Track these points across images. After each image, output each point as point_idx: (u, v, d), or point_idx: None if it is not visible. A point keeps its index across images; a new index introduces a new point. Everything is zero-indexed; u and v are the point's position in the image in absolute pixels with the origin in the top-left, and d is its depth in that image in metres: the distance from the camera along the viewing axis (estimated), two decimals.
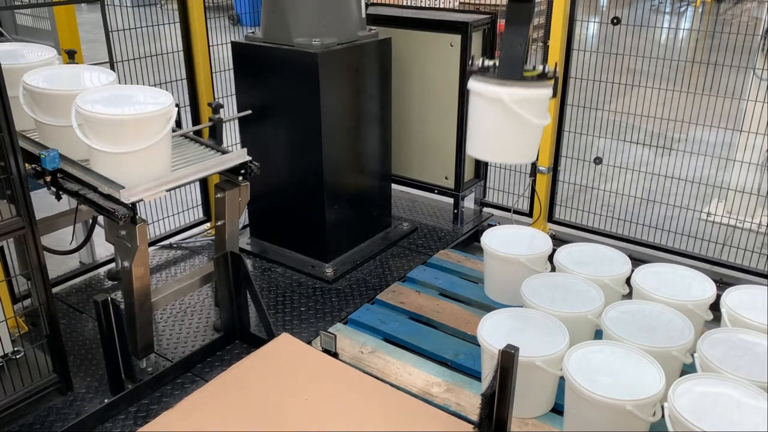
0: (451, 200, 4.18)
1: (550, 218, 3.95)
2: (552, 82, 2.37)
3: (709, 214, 4.13)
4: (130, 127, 2.44)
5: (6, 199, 2.36)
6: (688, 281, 2.89)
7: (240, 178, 2.81)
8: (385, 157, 3.84)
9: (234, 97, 3.65)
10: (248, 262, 3.51)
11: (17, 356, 2.68)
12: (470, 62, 2.41)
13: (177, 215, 3.97)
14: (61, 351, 2.62)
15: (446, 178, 4.10)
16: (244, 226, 3.96)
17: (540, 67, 2.36)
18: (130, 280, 2.56)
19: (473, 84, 2.38)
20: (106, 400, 2.59)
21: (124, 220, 2.35)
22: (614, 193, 3.86)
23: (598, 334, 2.68)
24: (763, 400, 2.12)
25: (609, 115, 3.72)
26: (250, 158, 2.80)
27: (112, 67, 3.33)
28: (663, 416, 2.15)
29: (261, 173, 2.85)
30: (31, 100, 2.67)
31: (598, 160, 3.77)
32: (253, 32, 3.56)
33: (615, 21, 3.42)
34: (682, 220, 3.65)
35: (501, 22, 2.34)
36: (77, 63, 3.16)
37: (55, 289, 3.28)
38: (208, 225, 4.10)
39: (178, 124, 2.95)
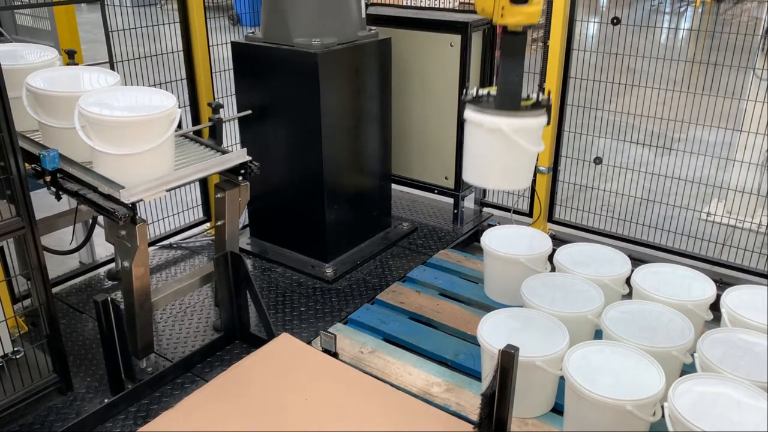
0: (451, 200, 4.18)
1: (550, 218, 3.95)
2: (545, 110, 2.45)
3: (709, 214, 4.13)
4: (133, 129, 2.45)
5: (6, 199, 2.36)
6: (688, 281, 2.89)
7: (240, 178, 2.81)
8: (385, 157, 3.84)
9: (234, 97, 3.65)
10: (248, 262, 3.51)
11: (17, 356, 2.68)
12: (464, 92, 2.48)
13: (177, 215, 3.97)
14: (61, 351, 2.62)
15: (446, 178, 4.10)
16: (244, 226, 3.96)
17: (534, 96, 2.43)
18: (130, 280, 2.56)
19: (471, 114, 2.43)
20: (106, 400, 2.59)
21: (124, 220, 2.35)
22: (614, 193, 3.86)
23: (598, 334, 2.68)
24: (763, 400, 2.12)
25: (609, 115, 3.72)
26: (250, 158, 2.80)
27: (112, 67, 3.33)
28: (663, 416, 2.15)
29: (261, 173, 2.85)
30: (34, 102, 2.66)
31: (598, 160, 3.77)
32: (253, 32, 3.56)
33: (615, 21, 3.42)
34: (682, 220, 3.65)
35: None
36: (77, 63, 3.16)
37: (55, 289, 3.28)
38: (208, 225, 4.10)
39: (178, 124, 2.95)
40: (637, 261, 3.20)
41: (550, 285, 2.88)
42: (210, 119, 3.05)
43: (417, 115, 4.07)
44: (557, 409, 2.52)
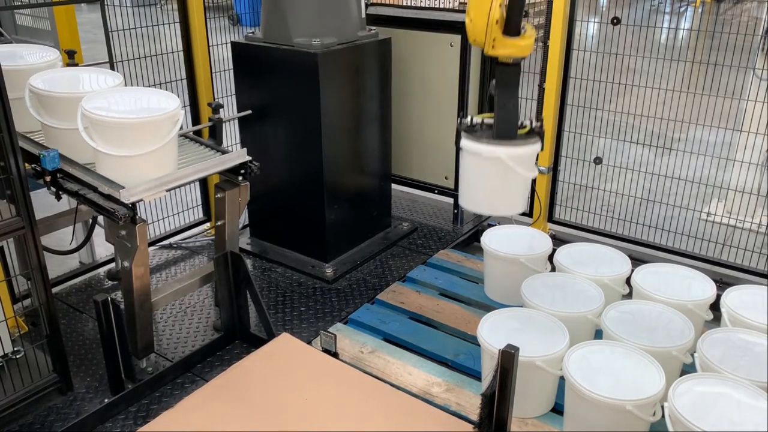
0: (451, 200, 4.18)
1: (550, 218, 3.95)
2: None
3: (709, 214, 4.13)
4: (136, 130, 2.45)
5: (6, 199, 2.36)
6: (688, 281, 2.89)
7: (240, 178, 2.81)
8: (385, 157, 3.84)
9: (234, 97, 3.65)
10: (248, 262, 3.51)
11: (17, 356, 2.68)
12: (459, 120, 2.51)
13: (177, 215, 3.97)
14: (61, 351, 2.62)
15: (446, 178, 4.10)
16: (244, 226, 3.96)
17: (527, 123, 2.48)
18: (130, 280, 2.56)
19: (469, 144, 2.47)
20: (106, 400, 2.59)
21: (124, 220, 2.35)
22: (614, 193, 3.86)
23: (598, 334, 2.68)
24: (763, 400, 2.12)
25: (609, 115, 3.72)
26: (250, 158, 2.80)
27: (112, 67, 3.33)
28: (663, 416, 2.15)
29: (261, 173, 2.85)
30: (37, 103, 2.66)
31: (598, 160, 3.77)
32: (253, 32, 3.56)
33: (615, 21, 3.42)
34: (682, 220, 3.65)
35: None
36: (77, 63, 3.16)
37: (55, 289, 3.28)
38: (208, 225, 4.10)
39: None
40: (637, 261, 3.20)
41: (550, 285, 2.88)
42: (210, 119, 3.05)
43: (417, 115, 4.07)
44: (557, 409, 2.52)
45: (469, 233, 4.01)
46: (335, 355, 2.80)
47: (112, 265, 3.58)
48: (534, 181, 3.79)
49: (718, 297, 2.77)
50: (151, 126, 2.47)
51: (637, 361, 2.34)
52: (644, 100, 3.65)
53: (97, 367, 2.85)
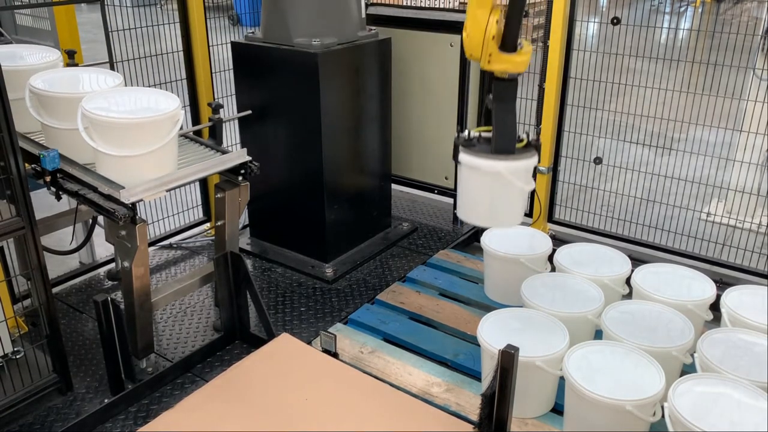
0: (451, 200, 4.18)
1: (550, 218, 3.95)
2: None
3: (709, 214, 4.13)
4: (136, 130, 2.45)
5: (6, 199, 2.36)
6: (688, 281, 2.89)
7: (240, 178, 2.81)
8: (385, 157, 3.84)
9: (234, 97, 3.65)
10: (248, 262, 3.52)
11: (17, 356, 2.68)
12: (457, 135, 2.53)
13: (177, 215, 3.97)
14: (61, 351, 2.62)
15: (446, 178, 4.10)
16: (244, 226, 3.96)
17: (524, 136, 2.51)
18: (130, 280, 2.56)
19: (468, 158, 2.49)
20: (106, 400, 2.59)
21: (124, 220, 2.35)
22: (614, 193, 3.86)
23: (598, 334, 2.68)
24: (763, 400, 2.12)
25: (609, 115, 3.72)
26: (250, 158, 2.80)
27: (112, 67, 3.33)
28: (663, 416, 2.15)
29: (261, 173, 2.85)
30: (37, 103, 2.66)
31: (598, 160, 3.77)
32: (253, 32, 3.56)
33: (615, 21, 3.42)
34: (682, 220, 3.65)
35: None
36: (77, 63, 3.16)
37: (55, 289, 3.28)
38: (208, 225, 4.10)
39: None
40: (637, 261, 3.20)
41: (550, 285, 2.88)
42: (210, 119, 3.05)
43: (417, 115, 4.07)
44: (557, 409, 2.52)
45: (469, 233, 4.01)
46: (335, 355, 2.80)
47: (112, 265, 3.58)
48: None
49: (718, 297, 2.77)
50: (151, 126, 2.47)
51: (637, 362, 2.34)
52: (644, 100, 3.65)
53: (97, 367, 2.85)
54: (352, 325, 3.11)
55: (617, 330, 2.53)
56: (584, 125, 3.75)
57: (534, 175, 2.63)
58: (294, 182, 3.59)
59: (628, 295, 2.93)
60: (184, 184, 2.64)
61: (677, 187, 3.63)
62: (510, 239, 3.21)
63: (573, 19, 3.51)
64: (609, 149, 4.00)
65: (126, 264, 2.53)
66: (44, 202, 2.95)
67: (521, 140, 2.48)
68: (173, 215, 3.94)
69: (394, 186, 4.08)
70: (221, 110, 3.10)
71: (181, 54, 3.70)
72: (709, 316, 2.80)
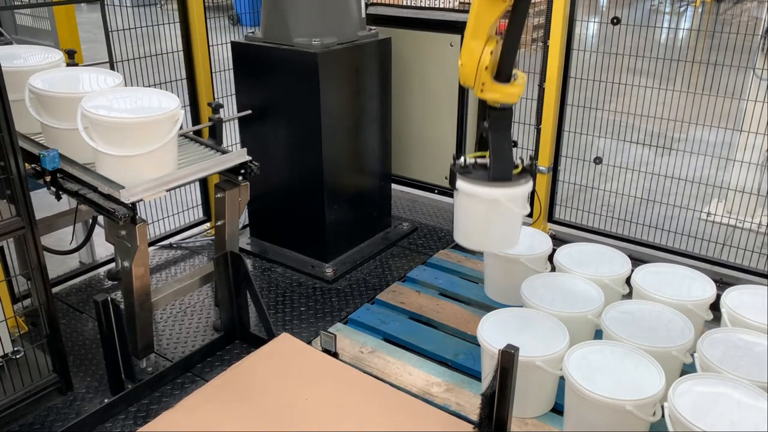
0: (451, 200, 4.17)
1: (550, 218, 3.95)
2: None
3: (709, 214, 4.13)
4: (136, 130, 2.45)
5: (6, 199, 2.36)
6: (688, 281, 2.89)
7: (240, 178, 2.81)
8: (385, 157, 3.84)
9: (234, 97, 3.65)
10: (248, 262, 3.52)
11: (17, 356, 2.68)
12: (453, 162, 2.57)
13: (177, 215, 3.97)
14: (61, 351, 2.62)
15: (446, 178, 4.07)
16: (244, 226, 3.96)
17: (519, 161, 2.54)
18: (130, 280, 2.56)
19: (465, 186, 2.52)
20: (106, 400, 2.59)
21: (124, 220, 2.35)
22: (614, 193, 3.86)
23: (598, 334, 2.68)
24: (763, 400, 2.12)
25: (609, 115, 3.72)
26: (250, 158, 2.80)
27: (112, 67, 3.33)
28: (663, 416, 2.15)
29: (261, 173, 2.85)
30: (37, 103, 2.66)
31: (598, 160, 3.77)
32: (253, 32, 3.56)
33: (615, 21, 3.42)
34: (682, 220, 3.65)
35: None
36: (77, 63, 3.16)
37: (55, 289, 3.29)
38: (208, 225, 4.10)
39: None
40: (637, 261, 3.20)
41: (550, 285, 2.88)
42: (210, 119, 3.05)
43: (417, 115, 4.07)
44: (557, 409, 2.52)
45: None
46: (335, 355, 2.80)
47: (112, 265, 3.58)
48: (534, 182, 3.80)
49: (718, 297, 2.77)
50: (151, 126, 2.47)
51: (637, 361, 2.34)
52: (644, 100, 3.65)
53: (97, 367, 2.85)
54: (352, 324, 3.11)
55: (617, 330, 2.53)
56: (584, 125, 3.74)
57: (531, 197, 2.65)
58: (294, 182, 3.59)
59: (628, 295, 2.93)
60: (184, 184, 2.64)
61: (677, 187, 3.63)
62: None
63: (573, 18, 3.51)
64: (609, 149, 4.00)
65: (126, 264, 2.53)
66: (44, 202, 2.95)
67: (516, 166, 2.51)
68: (173, 215, 3.94)
69: (394, 186, 4.09)
70: (221, 110, 3.10)
71: (181, 54, 3.70)
72: (709, 316, 2.80)
